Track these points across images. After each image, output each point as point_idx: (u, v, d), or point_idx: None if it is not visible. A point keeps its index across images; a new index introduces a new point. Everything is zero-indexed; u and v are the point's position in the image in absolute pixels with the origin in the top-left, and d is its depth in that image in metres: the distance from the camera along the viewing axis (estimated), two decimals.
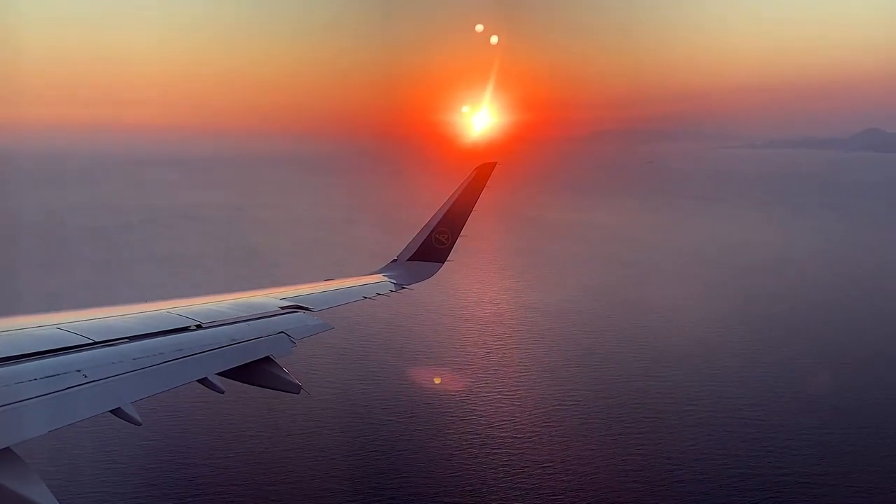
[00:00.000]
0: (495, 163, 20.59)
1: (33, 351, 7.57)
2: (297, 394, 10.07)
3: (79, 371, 7.45)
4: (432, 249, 20.51)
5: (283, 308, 12.96)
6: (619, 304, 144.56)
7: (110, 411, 7.28)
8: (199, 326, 10.30)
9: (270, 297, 13.61)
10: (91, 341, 8.37)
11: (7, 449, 6.07)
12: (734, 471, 78.19)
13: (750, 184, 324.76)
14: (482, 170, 20.54)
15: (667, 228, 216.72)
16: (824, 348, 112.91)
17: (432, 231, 20.61)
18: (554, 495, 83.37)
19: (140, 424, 7.37)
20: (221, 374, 9.32)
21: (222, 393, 8.99)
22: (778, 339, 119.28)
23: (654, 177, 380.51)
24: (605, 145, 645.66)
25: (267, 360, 10.28)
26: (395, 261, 21.05)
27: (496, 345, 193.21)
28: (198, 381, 8.84)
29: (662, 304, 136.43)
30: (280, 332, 11.41)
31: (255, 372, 9.99)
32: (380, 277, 19.64)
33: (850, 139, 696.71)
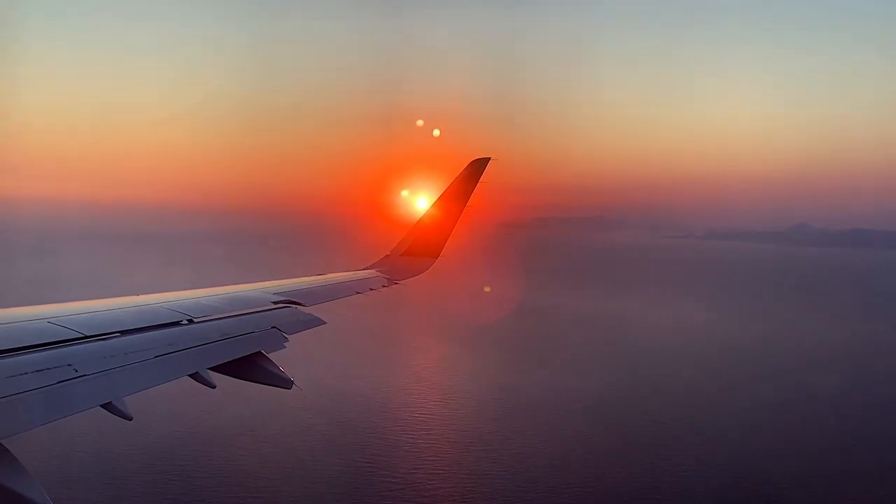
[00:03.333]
0: (489, 158, 20.57)
1: (23, 345, 7.52)
2: (289, 389, 10.06)
3: (69, 365, 7.41)
4: (424, 245, 20.52)
5: (275, 303, 12.94)
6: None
7: (101, 406, 7.24)
8: (190, 321, 10.27)
9: (262, 291, 13.58)
10: (82, 335, 8.33)
11: None
12: None
13: (691, 272, 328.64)
14: (475, 165, 20.49)
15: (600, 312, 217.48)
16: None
17: (425, 226, 20.62)
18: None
19: (131, 419, 7.35)
20: (213, 368, 9.29)
21: (213, 388, 8.97)
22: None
23: (601, 264, 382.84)
24: (549, 231, 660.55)
25: (258, 354, 10.27)
26: (387, 256, 21.06)
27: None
28: (189, 375, 8.82)
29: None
30: (272, 327, 11.39)
31: (247, 367, 9.97)
32: (372, 272, 19.63)
33: (782, 233, 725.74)
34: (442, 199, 20.46)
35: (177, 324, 10.01)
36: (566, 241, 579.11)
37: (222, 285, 13.57)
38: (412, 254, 20.55)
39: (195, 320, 10.36)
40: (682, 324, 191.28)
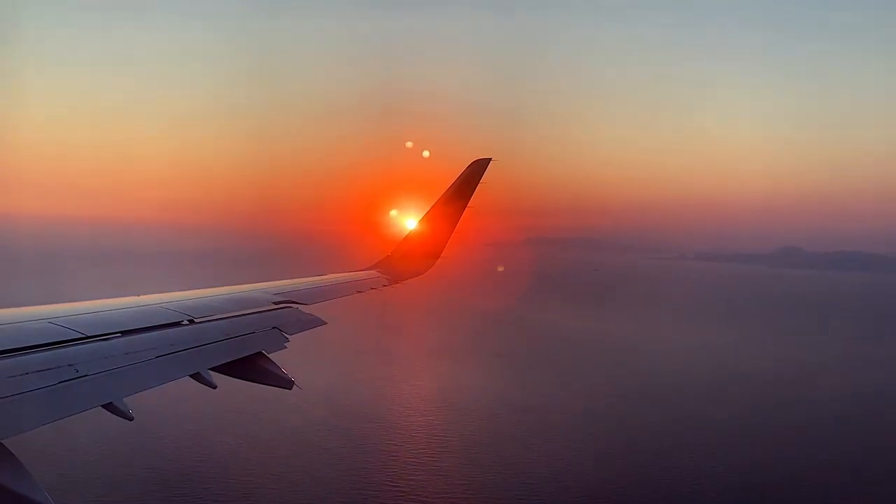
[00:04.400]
0: (490, 158, 20.54)
1: (24, 345, 7.52)
2: (290, 389, 10.06)
3: (70, 365, 7.42)
4: (426, 244, 20.52)
5: (275, 303, 12.94)
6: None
7: (102, 406, 7.25)
8: (191, 321, 10.28)
9: (263, 291, 13.58)
10: (83, 335, 8.33)
11: None
12: None
13: (682, 293, 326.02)
14: (477, 165, 20.47)
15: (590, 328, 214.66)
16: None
17: (426, 226, 20.62)
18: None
19: (132, 419, 7.35)
20: (214, 368, 9.29)
21: (214, 388, 8.98)
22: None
23: (599, 284, 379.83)
24: (539, 252, 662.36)
25: (259, 355, 10.27)
26: (388, 256, 21.06)
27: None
28: (190, 375, 8.82)
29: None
30: (273, 328, 11.39)
31: (248, 367, 9.97)
32: (373, 272, 19.64)
33: (771, 255, 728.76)
34: (443, 200, 20.44)
35: (178, 324, 10.01)
36: (556, 261, 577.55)
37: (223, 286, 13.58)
38: (413, 254, 20.55)
39: (196, 320, 10.36)
40: (662, 343, 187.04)
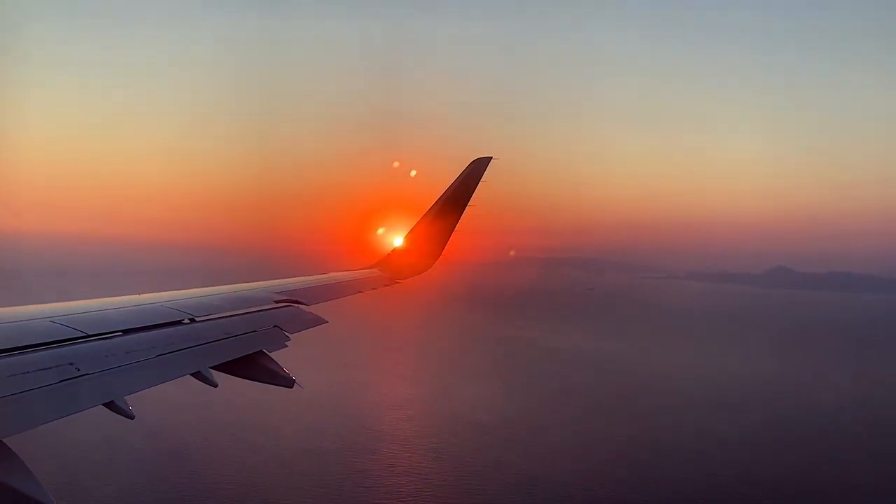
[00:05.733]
0: (490, 157, 20.52)
1: (25, 344, 7.52)
2: (291, 388, 10.06)
3: (71, 364, 7.42)
4: (426, 243, 20.50)
5: (276, 302, 12.94)
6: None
7: (103, 405, 7.24)
8: (192, 320, 10.27)
9: (264, 290, 13.58)
10: (84, 334, 8.33)
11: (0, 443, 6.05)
12: None
13: (692, 315, 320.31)
14: (477, 164, 20.44)
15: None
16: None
17: (427, 225, 20.59)
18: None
19: (133, 418, 7.35)
20: (215, 367, 9.29)
21: (216, 387, 8.98)
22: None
23: (599, 305, 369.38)
24: (529, 271, 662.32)
25: (260, 353, 10.26)
26: (389, 255, 21.06)
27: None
28: (191, 374, 8.82)
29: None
30: (274, 326, 11.39)
31: (249, 366, 9.97)
32: (373, 271, 19.65)
33: (761, 275, 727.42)
34: (443, 199, 20.42)
35: (179, 323, 10.01)
36: (547, 280, 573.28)
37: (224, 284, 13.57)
38: (413, 253, 20.54)
39: (197, 319, 10.36)
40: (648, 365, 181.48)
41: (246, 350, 10.06)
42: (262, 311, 12.10)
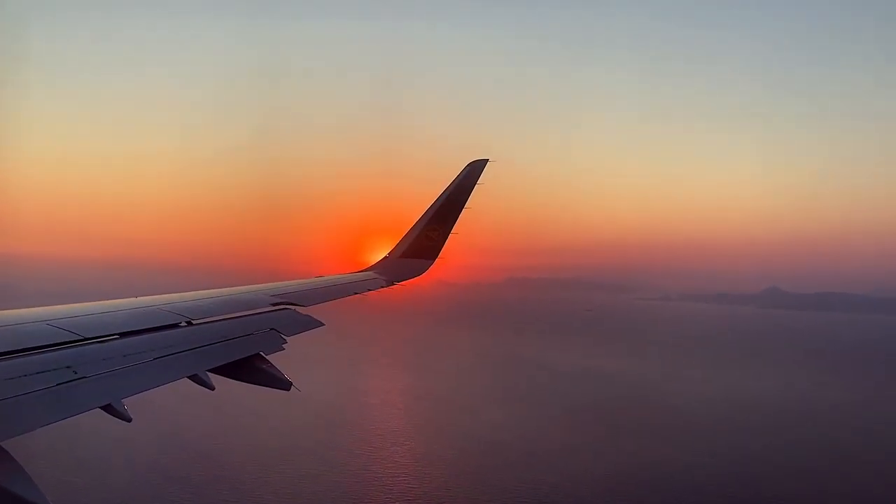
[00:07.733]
0: (486, 160, 20.60)
1: (22, 347, 7.54)
2: (288, 390, 10.08)
3: (68, 367, 7.43)
4: (423, 246, 20.50)
5: (273, 304, 12.95)
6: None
7: (101, 408, 7.26)
8: (189, 323, 10.29)
9: (261, 293, 13.59)
10: (80, 337, 8.34)
11: None
12: None
13: (695, 337, 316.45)
14: (473, 166, 20.52)
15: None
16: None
17: (423, 228, 20.60)
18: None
19: (130, 421, 7.37)
20: (211, 370, 9.30)
21: (212, 389, 9.00)
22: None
23: (602, 326, 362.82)
24: (522, 292, 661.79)
25: (257, 356, 10.27)
26: (386, 257, 21.07)
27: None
28: (188, 377, 8.83)
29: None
30: (270, 329, 11.40)
31: (246, 368, 9.98)
32: (370, 274, 19.64)
33: (758, 296, 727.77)
34: (440, 202, 20.46)
35: (175, 326, 10.02)
36: (542, 301, 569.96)
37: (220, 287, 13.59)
38: (410, 255, 20.55)
39: (194, 322, 10.38)
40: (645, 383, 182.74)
41: (243, 353, 10.07)
42: (259, 313, 12.11)
